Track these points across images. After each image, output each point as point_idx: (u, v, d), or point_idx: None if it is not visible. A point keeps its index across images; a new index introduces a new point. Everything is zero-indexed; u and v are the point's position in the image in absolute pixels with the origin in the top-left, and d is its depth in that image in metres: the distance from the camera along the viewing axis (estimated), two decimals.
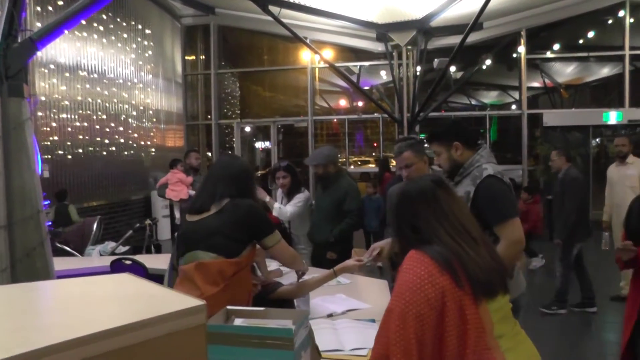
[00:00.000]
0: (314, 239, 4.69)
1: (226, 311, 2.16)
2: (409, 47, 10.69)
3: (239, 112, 14.71)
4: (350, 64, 12.36)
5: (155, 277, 4.12)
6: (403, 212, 2.02)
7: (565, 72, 13.85)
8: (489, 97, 18.07)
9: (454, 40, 9.69)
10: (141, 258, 4.99)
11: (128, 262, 4.18)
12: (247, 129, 14.82)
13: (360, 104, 13.50)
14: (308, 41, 11.53)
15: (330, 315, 2.96)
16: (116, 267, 4.26)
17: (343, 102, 14.96)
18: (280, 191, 4.97)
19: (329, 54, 12.39)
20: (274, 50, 13.61)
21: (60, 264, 4.96)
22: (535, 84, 14.30)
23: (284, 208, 4.71)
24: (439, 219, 1.90)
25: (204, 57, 13.22)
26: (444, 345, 1.76)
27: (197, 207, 2.71)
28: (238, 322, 2.04)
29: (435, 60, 10.50)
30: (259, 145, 17.74)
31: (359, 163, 14.98)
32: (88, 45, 9.08)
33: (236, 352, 1.89)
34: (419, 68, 10.64)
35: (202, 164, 9.51)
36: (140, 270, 4.06)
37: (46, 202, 3.44)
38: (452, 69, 11.20)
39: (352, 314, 2.98)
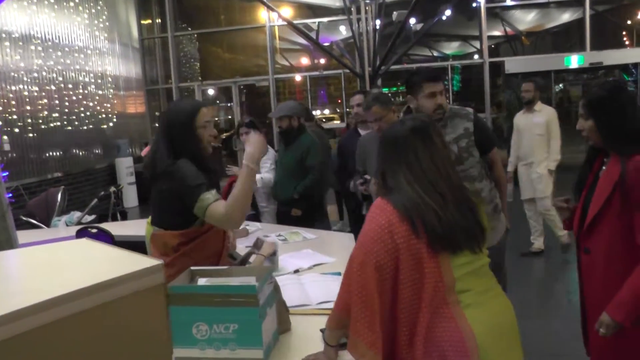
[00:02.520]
0: (278, 196, 4.72)
1: (190, 272, 2.19)
2: (367, 0, 10.58)
3: (199, 74, 14.49)
4: (309, 21, 12.21)
5: (123, 244, 4.10)
6: (378, 158, 1.97)
7: (526, 19, 13.90)
8: (451, 48, 18.06)
9: None
10: (107, 226, 4.95)
11: (94, 230, 4.16)
12: (211, 91, 14.60)
13: (322, 61, 13.41)
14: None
15: (296, 271, 3.01)
16: (82, 236, 4.23)
17: (305, 60, 14.82)
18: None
19: (287, 12, 12.22)
20: (231, 10, 13.37)
21: (26, 236, 4.92)
22: (497, 33, 14.34)
23: (265, 177, 4.73)
24: (403, 166, 1.85)
25: (160, 20, 12.90)
26: (398, 297, 1.76)
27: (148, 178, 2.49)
28: (202, 282, 2.07)
29: (394, 12, 10.43)
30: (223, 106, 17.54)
31: (324, 120, 14.95)
32: (39, 12, 8.77)
33: (200, 312, 1.92)
34: (378, 22, 10.56)
35: None
36: (107, 239, 4.04)
37: (4, 174, 3.39)
38: (412, 21, 11.13)
39: (318, 269, 3.02)
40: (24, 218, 5.82)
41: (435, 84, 2.90)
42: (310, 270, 3.02)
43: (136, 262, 1.40)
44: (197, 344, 1.93)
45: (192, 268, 2.17)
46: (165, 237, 2.44)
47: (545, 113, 5.76)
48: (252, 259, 2.68)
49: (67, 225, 5.63)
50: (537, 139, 5.73)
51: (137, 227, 4.42)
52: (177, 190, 2.31)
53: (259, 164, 2.56)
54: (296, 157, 4.58)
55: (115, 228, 4.69)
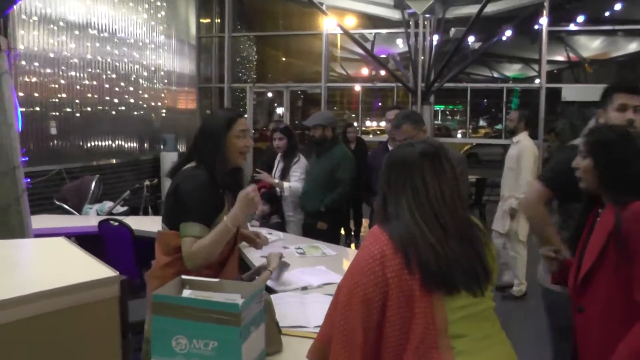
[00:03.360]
0: (305, 207, 4.61)
1: (180, 281, 2.09)
2: (427, 15, 10.38)
3: (254, 76, 14.57)
4: (365, 31, 12.09)
5: (142, 239, 4.07)
6: (381, 181, 1.81)
7: (591, 46, 13.45)
8: (512, 70, 17.70)
9: (474, 9, 9.35)
10: (135, 219, 4.96)
11: (115, 223, 4.14)
12: (269, 94, 14.64)
13: (383, 73, 13.25)
14: (324, 7, 11.29)
15: (305, 288, 2.88)
16: (104, 227, 4.23)
17: (365, 71, 14.75)
18: (278, 155, 4.91)
19: (350, 21, 12.15)
20: (290, 15, 13.38)
21: (53, 221, 4.99)
22: (560, 58, 13.92)
23: (294, 186, 4.63)
24: (408, 191, 1.68)
25: (219, 20, 13.03)
26: (384, 335, 1.60)
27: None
28: (186, 293, 1.97)
29: (452, 29, 10.20)
30: (280, 111, 17.62)
31: (378, 132, 14.79)
32: (99, 3, 8.96)
33: (182, 325, 1.82)
34: (436, 37, 10.35)
35: None
36: (126, 233, 4.01)
37: (24, 159, 3.39)
38: (471, 39, 10.87)
39: (327, 288, 2.88)
40: (57, 202, 5.89)
41: (629, 95, 2.53)
42: (320, 289, 2.89)
43: (94, 271, 1.31)
44: (175, 357, 1.84)
45: (183, 277, 2.08)
46: (168, 237, 2.40)
47: (520, 146, 5.36)
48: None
49: (97, 214, 5.66)
50: (507, 173, 5.47)
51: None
52: (180, 198, 2.30)
53: (242, 224, 2.55)
54: (326, 168, 4.47)
55: (141, 222, 4.68)
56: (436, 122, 20.41)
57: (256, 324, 1.91)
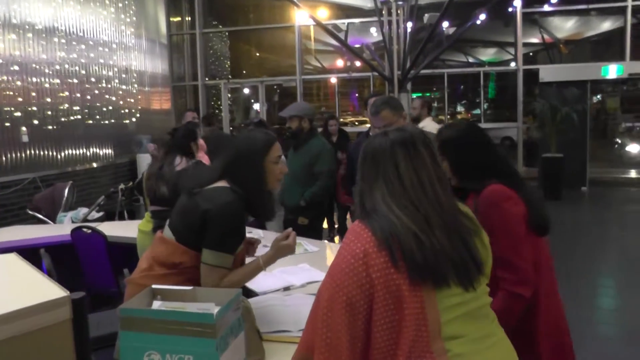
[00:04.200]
0: (284, 202, 4.47)
1: (150, 291, 1.95)
2: (400, 2, 10.26)
3: (229, 72, 14.38)
4: (338, 22, 11.96)
5: (115, 245, 3.92)
6: (357, 175, 1.70)
7: (565, 27, 13.43)
8: (487, 54, 17.69)
9: None
10: (110, 225, 4.81)
11: (88, 230, 3.97)
12: (246, 90, 14.42)
13: (358, 64, 13.13)
14: None
15: (287, 289, 2.76)
16: (76, 235, 4.06)
17: (341, 62, 14.60)
18: None
19: (322, 12, 12.00)
20: (261, 8, 13.19)
21: (26, 232, 4.81)
22: (535, 40, 13.90)
23: None
24: (380, 183, 1.57)
25: (189, 17, 12.81)
26: (371, 341, 1.46)
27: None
28: (156, 304, 1.83)
29: (426, 15, 10.11)
30: (257, 106, 17.42)
31: (356, 123, 14.67)
32: (64, 4, 8.71)
33: (154, 340, 1.68)
34: (409, 24, 10.24)
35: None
36: (100, 240, 3.85)
37: None
38: (445, 25, 10.77)
39: (311, 287, 2.74)
40: (31, 212, 5.70)
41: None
42: (303, 288, 2.76)
43: (41, 293, 1.17)
44: None
45: (154, 287, 1.93)
46: (172, 248, 2.22)
47: (425, 132, 5.47)
48: None
49: (72, 221, 5.48)
50: None
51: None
52: (212, 224, 2.13)
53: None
54: (305, 161, 4.33)
55: (116, 227, 4.53)
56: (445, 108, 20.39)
57: (234, 334, 1.78)
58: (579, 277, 5.64)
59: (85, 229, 4.00)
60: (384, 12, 10.45)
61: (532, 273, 2.00)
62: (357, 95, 15.40)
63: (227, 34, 14.50)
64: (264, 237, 3.93)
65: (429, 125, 5.56)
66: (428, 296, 1.46)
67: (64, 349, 1.12)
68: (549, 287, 2.13)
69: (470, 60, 17.44)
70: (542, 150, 10.32)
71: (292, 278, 2.88)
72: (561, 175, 9.93)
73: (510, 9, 11.26)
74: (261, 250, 3.21)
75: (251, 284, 2.73)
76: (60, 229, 5.12)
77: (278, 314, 2.34)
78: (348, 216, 6.64)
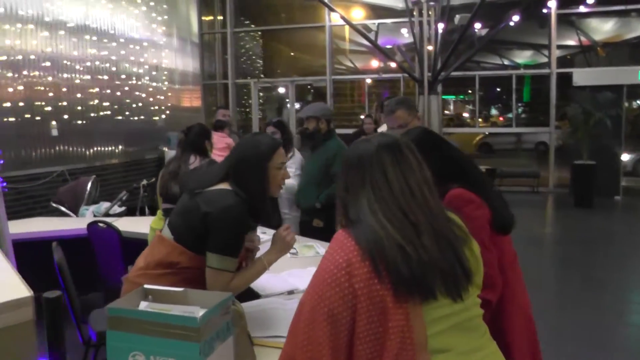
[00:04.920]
0: (301, 204, 4.43)
1: (142, 291, 1.93)
2: (431, 3, 10.15)
3: (261, 71, 14.42)
4: (368, 22, 11.87)
5: (132, 241, 3.94)
6: (339, 182, 1.63)
7: (603, 29, 13.08)
8: (522, 56, 17.40)
9: None
10: (129, 220, 4.86)
11: (103, 225, 4.00)
12: (281, 89, 14.39)
13: (393, 65, 13.02)
14: None
15: (291, 292, 2.72)
16: (92, 229, 4.10)
17: (375, 63, 14.52)
18: None
19: (357, 13, 11.96)
20: (293, 8, 13.18)
21: (44, 224, 4.89)
22: (572, 42, 13.60)
23: (288, 183, 4.45)
24: (367, 190, 1.50)
25: (221, 17, 12.90)
26: (354, 355, 1.41)
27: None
28: (143, 305, 1.81)
29: (457, 16, 9.97)
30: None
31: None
32: (96, 3, 8.85)
33: (139, 341, 1.66)
34: (441, 25, 10.12)
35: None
36: (114, 235, 3.87)
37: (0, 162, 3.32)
38: (478, 26, 10.61)
39: None
40: (54, 205, 5.79)
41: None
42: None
43: (4, 294, 1.15)
44: None
45: (146, 286, 1.92)
46: (168, 247, 2.20)
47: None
48: None
49: (94, 215, 5.54)
50: None
51: None
52: (214, 227, 2.11)
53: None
54: (321, 163, 4.27)
55: (133, 224, 4.55)
56: (448, 112, 20.16)
57: (222, 338, 1.74)
58: (608, 290, 5.45)
59: (100, 224, 4.03)
60: (415, 13, 10.35)
61: (497, 277, 1.99)
62: (387, 96, 15.29)
63: (259, 33, 14.55)
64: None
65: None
66: (414, 308, 1.40)
67: (24, 352, 1.10)
68: (515, 283, 2.14)
69: (506, 62, 17.17)
70: (574, 157, 10.06)
71: (298, 281, 2.83)
72: (593, 183, 9.66)
73: (544, 10, 11.00)
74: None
75: (256, 286, 2.70)
76: (80, 222, 5.19)
77: (276, 319, 2.30)
78: None
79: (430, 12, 10.21)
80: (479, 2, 8.65)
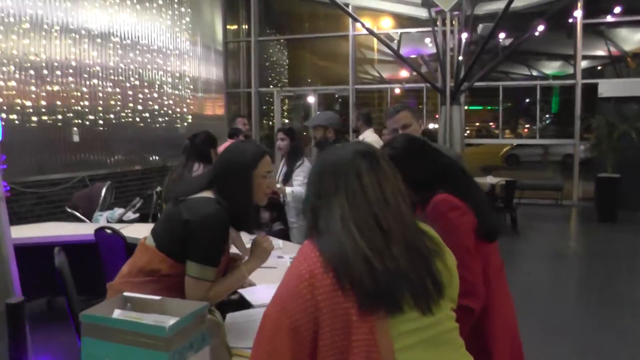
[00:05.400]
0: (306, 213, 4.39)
1: (121, 298, 1.93)
2: (455, 12, 10.06)
3: (286, 80, 14.46)
4: (391, 31, 11.82)
5: (133, 248, 3.95)
6: (309, 188, 1.59)
7: (633, 39, 12.82)
8: (551, 67, 17.14)
9: (504, 5, 8.93)
10: (140, 227, 4.88)
11: (109, 231, 4.03)
12: (311, 98, 14.34)
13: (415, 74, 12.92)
14: (350, 7, 11.11)
15: None
16: (99, 235, 4.13)
17: (405, 73, 14.44)
18: (283, 159, 4.76)
19: (377, 21, 11.92)
20: (317, 17, 13.20)
21: (55, 229, 4.95)
22: (601, 53, 13.35)
23: (296, 191, 4.44)
24: (341, 197, 1.45)
25: (246, 25, 12.99)
26: None
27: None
28: (117, 313, 1.80)
29: (480, 25, 9.87)
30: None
31: None
32: (121, 11, 9.00)
33: (111, 349, 1.65)
34: (465, 35, 10.01)
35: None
36: (119, 242, 3.89)
37: (2, 167, 3.35)
38: (502, 36, 10.47)
39: None
40: (69, 210, 5.87)
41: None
42: None
43: None
44: None
45: (125, 294, 1.91)
46: (150, 254, 2.18)
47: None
48: None
49: (108, 221, 5.59)
50: None
51: None
52: (194, 235, 2.09)
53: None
54: None
55: (144, 230, 4.56)
56: (476, 123, 19.91)
57: (195, 348, 1.72)
58: (631, 308, 5.26)
59: (107, 230, 4.06)
60: (438, 22, 10.27)
61: (480, 285, 1.97)
62: (412, 106, 15.15)
63: (284, 41, 14.60)
64: (282, 248, 3.88)
65: (369, 137, 5.60)
66: (380, 322, 1.35)
67: None
68: (500, 294, 2.11)
69: (534, 73, 16.95)
70: (599, 170, 9.84)
71: None
72: (617, 196, 9.42)
73: (570, 20, 10.81)
74: (274, 260, 3.18)
75: (249, 295, 2.68)
76: (93, 228, 5.25)
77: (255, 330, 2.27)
78: None
79: (454, 22, 10.13)
80: (501, 12, 8.54)
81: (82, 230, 4.90)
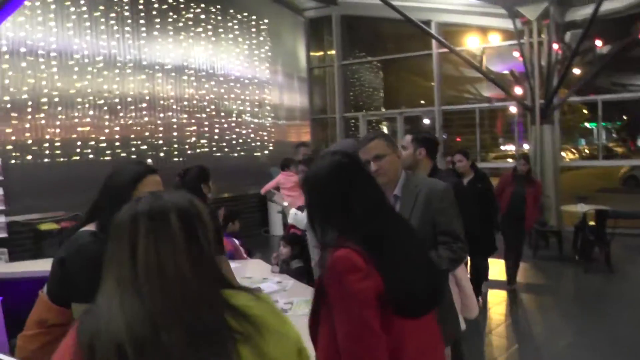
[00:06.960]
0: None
1: None
2: (544, 21, 9.27)
3: (377, 103, 14.17)
4: (473, 47, 11.14)
5: None
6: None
7: None
8: None
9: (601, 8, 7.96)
10: None
11: None
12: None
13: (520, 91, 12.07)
14: (433, 24, 10.67)
15: None
16: None
17: (520, 90, 13.60)
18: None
19: (462, 36, 11.34)
20: (403, 37, 12.80)
21: None
22: None
23: (299, 214, 4.14)
24: (113, 267, 1.20)
25: (332, 51, 12.92)
26: None
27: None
28: None
29: (567, 33, 9.01)
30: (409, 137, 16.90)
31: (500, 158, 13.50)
32: (195, 44, 9.22)
33: None
34: (555, 46, 9.21)
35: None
36: None
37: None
38: (599, 43, 9.52)
39: None
40: None
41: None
42: None
43: None
44: None
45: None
46: (41, 304, 2.01)
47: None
48: None
49: None
50: None
51: None
52: (69, 274, 1.90)
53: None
54: None
55: None
56: (599, 141, 18.35)
57: None
58: None
59: None
60: (524, 33, 9.52)
61: None
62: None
63: (376, 63, 14.33)
64: (287, 291, 3.58)
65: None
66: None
67: None
68: None
69: None
70: None
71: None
72: None
73: None
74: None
75: None
76: None
77: None
78: None
79: (542, 34, 9.33)
80: (590, 17, 7.73)
81: None
